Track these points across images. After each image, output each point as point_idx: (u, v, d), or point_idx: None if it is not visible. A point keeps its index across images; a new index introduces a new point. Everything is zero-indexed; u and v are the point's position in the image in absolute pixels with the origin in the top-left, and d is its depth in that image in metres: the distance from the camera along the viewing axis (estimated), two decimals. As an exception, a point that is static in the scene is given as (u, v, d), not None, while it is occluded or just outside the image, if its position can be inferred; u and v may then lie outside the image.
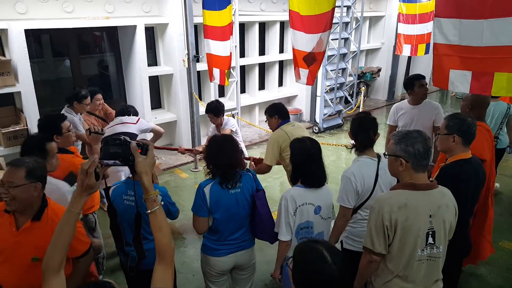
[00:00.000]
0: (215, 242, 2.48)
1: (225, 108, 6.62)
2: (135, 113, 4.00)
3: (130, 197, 2.46)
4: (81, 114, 4.32)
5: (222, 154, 2.36)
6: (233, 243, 2.48)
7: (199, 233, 2.48)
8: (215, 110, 4.06)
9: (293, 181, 2.48)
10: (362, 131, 2.54)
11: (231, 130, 4.10)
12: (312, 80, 4.24)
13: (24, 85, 4.97)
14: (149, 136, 4.33)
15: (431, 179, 2.06)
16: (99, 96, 4.62)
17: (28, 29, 4.86)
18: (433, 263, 1.96)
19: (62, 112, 4.08)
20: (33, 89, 5.06)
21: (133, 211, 2.42)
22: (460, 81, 2.81)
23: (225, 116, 4.18)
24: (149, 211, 1.51)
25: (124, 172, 3.66)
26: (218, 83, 5.73)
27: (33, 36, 5.56)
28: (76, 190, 1.48)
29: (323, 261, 1.35)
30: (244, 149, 4.25)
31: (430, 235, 1.89)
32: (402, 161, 1.92)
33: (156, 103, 7.01)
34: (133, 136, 3.65)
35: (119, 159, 1.52)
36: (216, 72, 5.61)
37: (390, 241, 1.92)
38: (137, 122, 3.79)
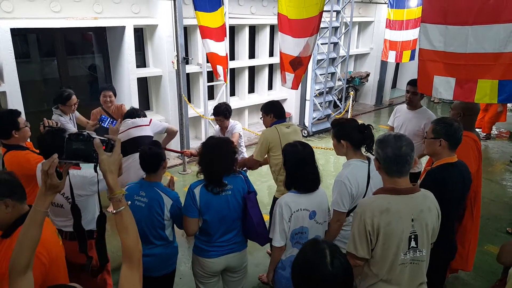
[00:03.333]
0: (205, 244, 2.46)
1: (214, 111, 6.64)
2: (143, 115, 3.90)
3: (141, 198, 2.43)
4: (72, 114, 4.11)
5: (213, 159, 2.34)
6: (224, 245, 2.47)
7: (189, 235, 2.46)
8: (225, 112, 3.97)
9: (287, 186, 2.46)
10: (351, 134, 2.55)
11: (239, 134, 4.05)
12: (297, 85, 4.26)
13: (10, 85, 4.88)
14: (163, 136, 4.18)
15: (414, 183, 2.07)
16: (107, 93, 4.48)
17: (14, 28, 4.78)
18: (417, 266, 1.96)
19: (54, 114, 3.98)
20: (18, 89, 4.98)
21: (143, 213, 2.42)
22: (444, 88, 2.83)
23: (231, 120, 4.12)
24: (114, 211, 1.42)
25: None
26: (223, 79, 5.75)
27: (20, 36, 5.48)
28: (40, 189, 1.41)
29: (322, 260, 1.34)
30: (245, 154, 4.22)
31: (412, 239, 1.89)
32: (377, 162, 1.98)
33: (145, 105, 6.95)
34: (149, 138, 3.55)
35: (81, 158, 1.43)
36: (220, 69, 5.61)
37: (373, 245, 1.91)
38: (150, 123, 3.68)
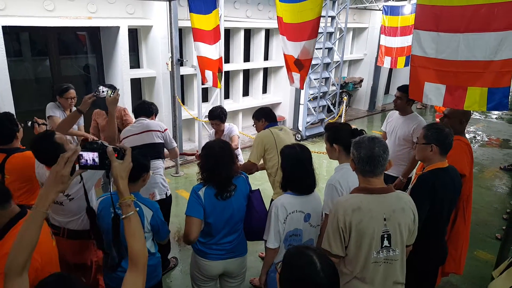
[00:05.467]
0: (206, 246, 2.43)
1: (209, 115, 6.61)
2: (156, 112, 3.73)
3: (118, 210, 2.29)
4: (69, 110, 4.01)
5: (219, 167, 2.30)
6: (224, 249, 2.44)
7: (191, 239, 2.30)
8: (221, 116, 3.90)
9: (283, 188, 2.46)
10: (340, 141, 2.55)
11: (238, 137, 4.02)
12: (302, 85, 4.26)
13: (0, 84, 4.84)
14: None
15: (396, 183, 2.10)
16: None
17: (6, 26, 4.75)
18: (390, 266, 1.99)
19: (50, 105, 3.94)
20: (9, 88, 4.93)
21: (121, 226, 2.32)
22: (434, 94, 2.85)
23: (226, 123, 4.06)
24: (123, 216, 1.49)
25: (159, 184, 3.45)
26: (211, 85, 5.70)
27: (12, 34, 5.42)
28: (43, 187, 1.43)
29: (312, 268, 1.33)
30: (240, 156, 4.15)
31: (385, 238, 1.94)
32: (352, 163, 2.05)
33: (138, 106, 6.91)
34: (161, 145, 3.48)
35: (99, 151, 1.51)
36: (209, 74, 5.56)
37: (346, 243, 1.97)
38: (164, 131, 3.51)
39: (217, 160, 2.32)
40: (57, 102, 3.97)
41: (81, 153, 1.49)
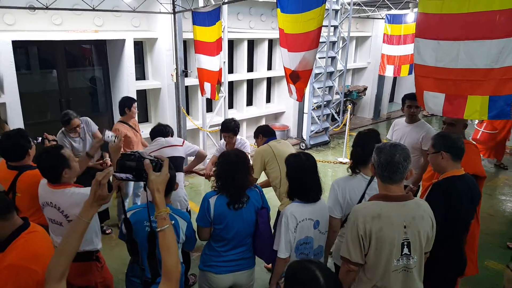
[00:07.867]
0: (214, 259, 2.44)
1: (212, 124, 6.66)
2: (172, 133, 3.81)
3: (154, 223, 2.25)
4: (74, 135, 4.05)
5: (234, 175, 2.32)
6: (233, 260, 2.44)
7: (203, 240, 2.49)
8: (235, 129, 3.90)
9: (289, 196, 2.47)
10: (355, 147, 2.57)
11: (248, 153, 4.00)
12: (300, 97, 4.27)
13: (10, 97, 4.93)
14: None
15: (407, 191, 2.08)
16: (135, 105, 4.46)
17: (15, 41, 4.85)
18: (409, 274, 1.98)
19: (59, 133, 3.97)
20: (18, 101, 5.02)
21: (157, 239, 2.30)
22: (433, 103, 2.81)
23: (238, 137, 4.04)
24: (159, 229, 1.47)
25: (181, 198, 3.42)
26: (209, 97, 5.75)
27: (21, 48, 5.53)
28: (87, 200, 1.48)
29: (316, 282, 1.33)
30: None
31: (405, 246, 1.92)
32: (372, 167, 2.03)
33: (144, 117, 6.98)
34: (181, 159, 3.51)
35: (133, 173, 1.53)
36: (207, 86, 5.64)
37: (366, 250, 1.95)
38: (183, 144, 3.59)
39: (233, 168, 2.35)
40: (63, 130, 3.98)
41: (115, 174, 1.52)
